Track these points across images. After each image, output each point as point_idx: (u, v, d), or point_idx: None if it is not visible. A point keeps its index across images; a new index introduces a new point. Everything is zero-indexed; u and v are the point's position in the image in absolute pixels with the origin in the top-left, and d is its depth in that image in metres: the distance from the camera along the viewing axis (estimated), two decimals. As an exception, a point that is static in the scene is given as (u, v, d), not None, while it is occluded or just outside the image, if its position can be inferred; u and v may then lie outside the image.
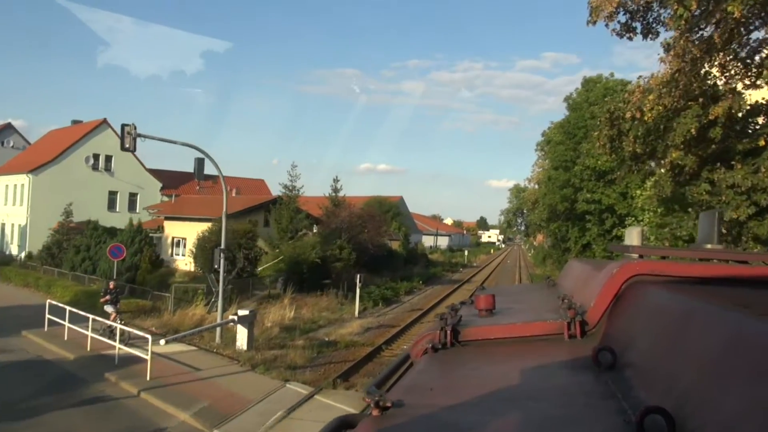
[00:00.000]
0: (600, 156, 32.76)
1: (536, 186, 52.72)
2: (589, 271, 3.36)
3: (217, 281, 16.84)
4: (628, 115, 11.86)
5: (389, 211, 57.30)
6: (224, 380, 13.50)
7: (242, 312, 16.20)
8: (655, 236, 16.87)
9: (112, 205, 46.03)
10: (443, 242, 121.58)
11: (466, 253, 76.74)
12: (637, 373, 1.84)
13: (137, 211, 45.54)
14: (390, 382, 2.49)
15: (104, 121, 45.80)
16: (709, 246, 3.28)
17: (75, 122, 50.57)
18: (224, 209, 17.45)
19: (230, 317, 16.04)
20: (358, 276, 25.40)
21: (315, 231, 38.04)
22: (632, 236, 4.36)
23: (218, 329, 16.76)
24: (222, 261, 16.82)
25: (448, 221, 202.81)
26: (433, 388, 2.03)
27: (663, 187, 13.57)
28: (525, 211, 69.32)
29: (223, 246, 17.06)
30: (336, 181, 44.09)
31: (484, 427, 1.63)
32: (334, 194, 42.89)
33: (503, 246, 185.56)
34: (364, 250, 36.89)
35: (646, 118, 11.34)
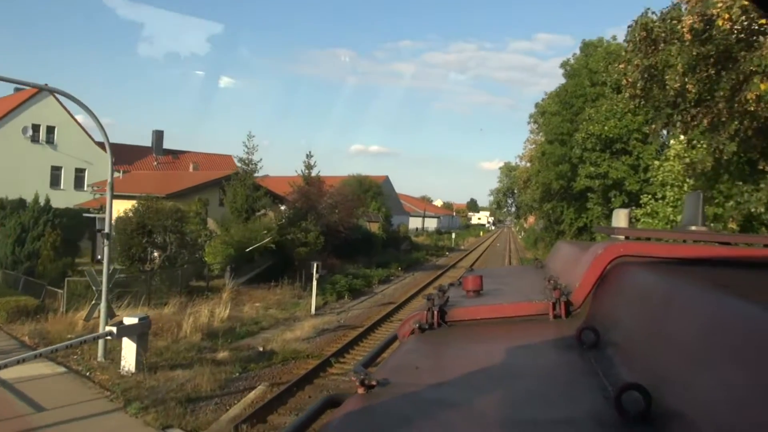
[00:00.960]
0: (608, 120, 28.32)
1: (528, 164, 48.35)
2: (575, 253, 3.41)
3: (102, 274, 12.35)
4: (686, 23, 7.38)
5: (369, 191, 52.86)
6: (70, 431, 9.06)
7: (129, 320, 11.73)
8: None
9: (55, 182, 41.22)
10: (432, 224, 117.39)
11: (453, 236, 72.44)
12: (618, 352, 1.87)
13: (84, 188, 40.76)
14: (376, 362, 2.41)
15: (45, 87, 40.69)
16: (693, 228, 3.27)
17: (18, 90, 45.44)
18: (110, 180, 12.88)
19: (107, 329, 11.55)
20: (315, 265, 20.94)
21: (283, 211, 33.51)
22: (619, 218, 4.19)
23: (101, 342, 12.27)
24: (106, 250, 12.36)
25: (438, 203, 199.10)
26: (419, 367, 2.04)
27: (716, 148, 9.17)
28: (516, 191, 65.10)
29: (107, 229, 12.55)
30: (309, 156, 39.61)
31: (469, 403, 1.65)
32: (307, 171, 38.47)
33: (493, 228, 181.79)
34: (335, 233, 32.47)
35: (720, 23, 6.88)
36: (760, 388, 1.04)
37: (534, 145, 45.26)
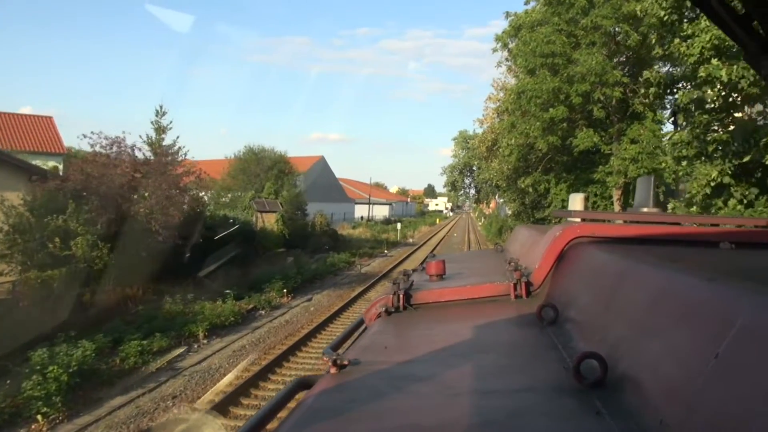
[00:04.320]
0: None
1: (487, 129, 34.16)
2: (534, 236, 3.51)
3: None
4: None
5: (272, 169, 37.68)
6: None
7: None
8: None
9: None
10: (383, 212, 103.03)
11: (398, 226, 58.08)
12: (575, 326, 1.98)
13: None
14: (345, 345, 2.47)
15: None
16: (645, 209, 3.50)
17: None
18: None
19: None
20: None
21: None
22: (575, 202, 4.84)
23: None
24: None
25: (394, 189, 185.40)
26: (387, 347, 2.09)
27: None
28: (475, 167, 51.36)
29: None
30: (160, 113, 24.52)
31: (437, 377, 1.71)
32: (156, 138, 23.41)
33: (451, 215, 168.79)
34: (144, 234, 17.37)
35: None
36: (703, 351, 1.12)
37: (502, 93, 30.92)
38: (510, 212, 42.98)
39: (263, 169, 36.96)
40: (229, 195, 36.08)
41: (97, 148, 18.01)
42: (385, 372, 1.76)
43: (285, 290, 21.33)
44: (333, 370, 1.72)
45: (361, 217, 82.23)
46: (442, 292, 2.83)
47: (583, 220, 3.17)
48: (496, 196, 52.96)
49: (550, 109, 20.57)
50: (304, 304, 20.88)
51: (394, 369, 1.80)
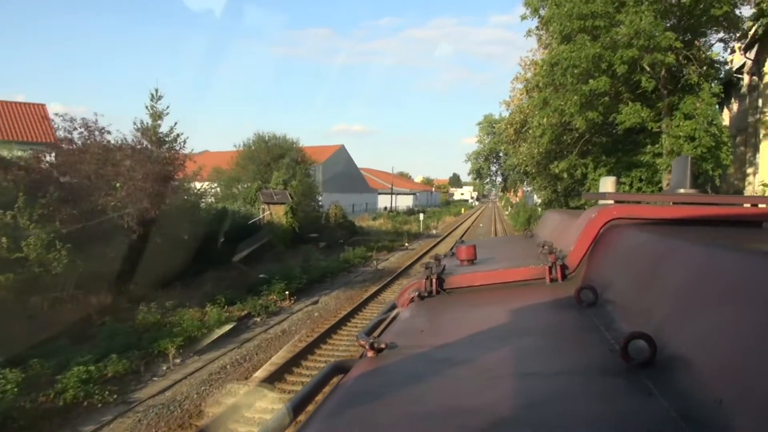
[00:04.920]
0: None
1: (515, 110, 31.08)
2: (566, 220, 3.59)
3: None
4: None
5: (284, 158, 35.20)
6: None
7: None
8: None
9: None
10: (407, 202, 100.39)
11: (421, 217, 55.22)
12: (617, 308, 1.93)
13: None
14: (378, 330, 2.38)
15: None
16: (681, 190, 3.37)
17: None
18: None
19: None
20: None
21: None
22: (606, 185, 4.40)
23: None
24: None
25: (418, 179, 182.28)
26: (423, 331, 2.09)
27: None
28: (501, 153, 48.21)
29: None
30: (155, 97, 22.38)
31: (476, 360, 1.68)
32: (152, 123, 21.24)
33: (477, 204, 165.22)
34: (114, 231, 15.00)
35: None
36: (761, 328, 1.09)
37: (531, 73, 27.82)
38: (540, 201, 39.95)
39: (273, 157, 34.46)
40: (239, 186, 33.77)
41: (61, 133, 15.66)
42: (423, 355, 1.74)
43: (287, 292, 18.82)
44: (370, 354, 1.71)
45: (385, 208, 79.65)
46: (475, 276, 2.79)
47: (617, 202, 3.00)
48: (524, 184, 49.75)
49: (590, 81, 17.60)
50: (309, 308, 18.36)
51: (431, 352, 1.78)
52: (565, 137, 22.08)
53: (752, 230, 2.49)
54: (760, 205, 3.37)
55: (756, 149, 21.80)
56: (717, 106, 18.82)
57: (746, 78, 22.88)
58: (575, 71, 17.65)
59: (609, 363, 1.49)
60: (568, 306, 2.18)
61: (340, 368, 1.79)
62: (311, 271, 22.94)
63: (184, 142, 24.36)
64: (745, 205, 3.50)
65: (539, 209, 45.40)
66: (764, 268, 1.28)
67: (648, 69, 17.39)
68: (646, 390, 1.30)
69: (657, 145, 19.02)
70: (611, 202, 3.12)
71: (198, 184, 22.09)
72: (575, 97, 18.17)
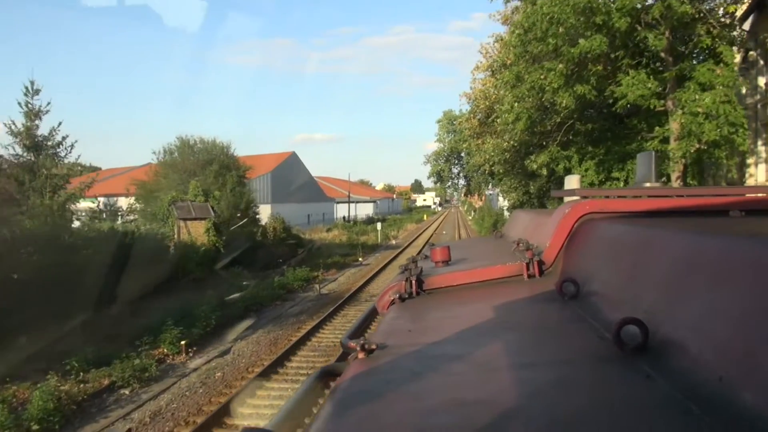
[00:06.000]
0: None
1: (479, 96, 26.57)
2: (537, 218, 3.58)
3: None
4: None
5: (212, 164, 30.04)
6: None
7: None
8: None
9: None
10: (367, 210, 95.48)
11: (379, 226, 50.38)
12: (601, 298, 1.95)
13: None
14: (361, 333, 2.45)
15: None
16: (647, 184, 3.42)
17: None
18: None
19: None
20: None
21: None
22: (572, 182, 4.68)
23: None
24: None
25: (380, 186, 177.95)
26: (411, 330, 2.08)
27: None
28: (464, 154, 43.65)
29: None
30: (31, 91, 17.99)
31: (470, 354, 1.68)
32: (28, 124, 16.49)
33: (439, 209, 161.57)
34: None
35: None
36: (757, 306, 1.12)
37: (497, 51, 23.32)
38: (508, 204, 35.64)
39: (199, 164, 29.26)
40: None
41: None
42: (416, 353, 1.73)
43: (183, 342, 13.77)
44: (361, 355, 1.68)
45: (344, 218, 74.72)
46: (454, 275, 2.79)
47: (583, 197, 3.09)
48: (489, 186, 45.51)
49: (580, 42, 13.17)
50: (212, 363, 13.35)
51: (424, 350, 1.77)
52: (543, 123, 17.60)
53: (720, 219, 2.52)
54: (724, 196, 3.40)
55: (757, 135, 17.70)
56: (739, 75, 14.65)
57: (737, 54, 18.78)
58: (560, 29, 13.18)
59: (602, 350, 1.52)
60: (550, 299, 2.23)
61: (328, 373, 1.87)
62: (230, 304, 17.90)
63: (71, 147, 19.30)
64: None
65: (506, 213, 41.29)
66: (748, 251, 1.34)
67: (658, 20, 13.03)
68: (643, 373, 1.33)
69: (662, 128, 14.68)
70: (577, 198, 3.14)
71: (123, 201, 16.90)
72: (560, 66, 13.68)
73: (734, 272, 1.29)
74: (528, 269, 2.67)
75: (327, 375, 1.84)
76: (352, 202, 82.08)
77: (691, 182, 16.13)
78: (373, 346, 1.70)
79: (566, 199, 3.80)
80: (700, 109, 13.04)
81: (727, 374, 1.11)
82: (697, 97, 13.40)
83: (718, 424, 1.06)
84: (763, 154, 18.59)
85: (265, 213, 36.68)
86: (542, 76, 14.60)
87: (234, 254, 23.60)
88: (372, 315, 2.94)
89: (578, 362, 1.52)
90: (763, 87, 18.61)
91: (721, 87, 13.15)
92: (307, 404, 1.67)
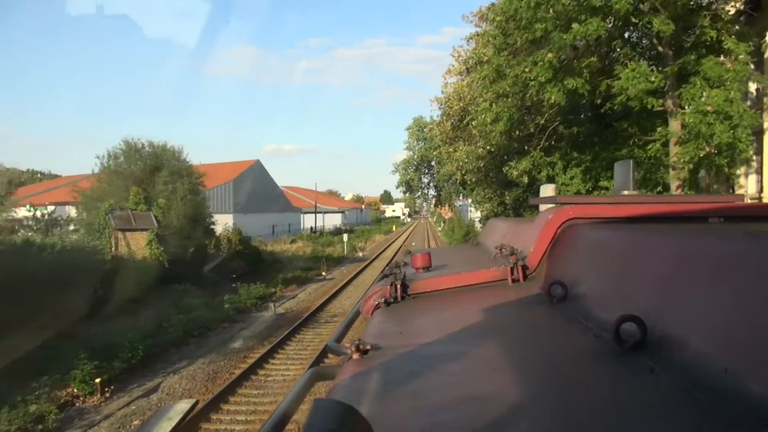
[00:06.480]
0: None
1: (453, 97, 24.59)
2: (517, 225, 3.63)
3: None
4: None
5: (160, 169, 27.50)
6: None
7: None
8: None
9: None
10: (335, 221, 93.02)
11: (345, 237, 47.99)
12: (590, 300, 1.95)
13: None
14: (348, 337, 2.37)
15: None
16: (626, 192, 3.46)
17: None
18: None
19: None
20: None
21: None
22: (548, 191, 4.81)
23: None
24: None
25: (349, 197, 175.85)
26: (402, 332, 2.06)
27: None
28: (434, 163, 41.72)
29: None
30: None
31: (469, 354, 1.67)
32: None
33: (408, 220, 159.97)
34: None
35: None
36: (757, 299, 1.13)
37: (474, 46, 21.45)
38: (480, 215, 33.81)
39: (146, 170, 26.68)
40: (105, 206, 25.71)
41: None
42: (412, 354, 1.70)
43: (98, 380, 11.35)
44: (356, 356, 1.67)
45: (311, 228, 72.23)
46: (439, 280, 2.79)
47: (560, 204, 3.08)
48: (461, 197, 43.69)
49: (574, 26, 11.28)
50: (133, 406, 10.97)
51: (419, 350, 1.75)
52: (526, 125, 15.71)
53: (702, 225, 2.54)
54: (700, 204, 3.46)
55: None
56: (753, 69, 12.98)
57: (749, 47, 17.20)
58: (550, 12, 11.27)
59: (600, 348, 1.53)
60: (537, 302, 2.23)
61: (321, 374, 1.83)
62: (167, 330, 15.48)
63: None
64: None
65: (478, 225, 39.57)
66: (744, 248, 1.36)
67: (656, 9, 11.25)
68: (646, 368, 1.33)
69: (664, 129, 12.89)
70: (554, 206, 3.13)
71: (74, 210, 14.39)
72: (548, 56, 11.77)
73: (730, 269, 1.29)
74: (512, 274, 2.66)
75: (319, 377, 1.80)
76: (320, 212, 79.63)
77: (689, 192, 14.43)
78: (368, 347, 1.69)
79: (542, 207, 3.83)
80: (709, 108, 11.26)
81: (733, 366, 1.12)
82: (704, 94, 11.63)
83: (729, 413, 1.06)
84: (754, 164, 17.01)
85: (225, 223, 34.17)
86: (527, 69, 12.68)
87: (187, 270, 21.06)
88: (355, 319, 2.91)
89: (578, 360, 1.51)
90: (753, 93, 17.07)
91: (732, 83, 11.41)
92: (299, 407, 1.57)
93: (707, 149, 11.54)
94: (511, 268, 2.66)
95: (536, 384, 1.36)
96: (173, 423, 1.21)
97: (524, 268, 2.68)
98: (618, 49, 12.51)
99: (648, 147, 13.36)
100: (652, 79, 11.49)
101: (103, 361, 12.11)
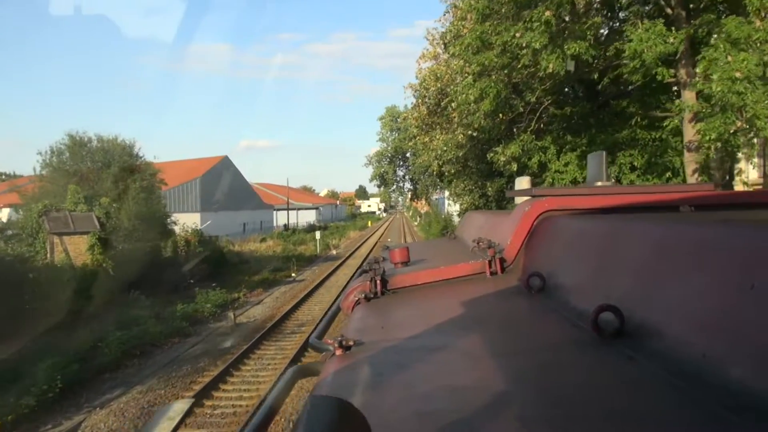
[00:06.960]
0: None
1: (429, 77, 22.45)
2: (493, 218, 3.65)
3: None
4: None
5: (109, 166, 24.97)
6: None
7: None
8: None
9: None
10: (309, 217, 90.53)
11: (318, 235, 45.63)
12: (569, 290, 1.95)
13: None
14: (329, 333, 2.35)
15: None
16: (599, 183, 3.49)
17: None
18: None
19: None
20: None
21: None
22: (522, 183, 4.76)
23: None
24: None
25: (323, 193, 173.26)
26: (384, 327, 2.05)
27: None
28: (409, 154, 39.74)
29: None
30: None
31: (452, 345, 1.68)
32: None
33: (384, 215, 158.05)
34: None
35: None
36: (735, 285, 1.13)
37: (449, 25, 19.40)
38: (459, 208, 31.81)
39: (93, 167, 24.14)
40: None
41: None
42: (396, 347, 1.70)
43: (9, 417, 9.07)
44: (339, 352, 1.65)
45: (284, 226, 69.64)
46: (418, 275, 2.78)
47: (536, 196, 3.09)
48: (438, 190, 41.72)
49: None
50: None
51: (403, 344, 1.74)
52: (514, 104, 13.70)
53: (674, 214, 2.55)
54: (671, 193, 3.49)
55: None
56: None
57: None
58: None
59: (579, 337, 1.52)
60: (516, 293, 2.23)
61: (304, 371, 1.79)
62: (103, 351, 13.18)
63: None
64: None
65: (456, 219, 37.64)
66: (733, 231, 1.34)
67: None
68: (625, 355, 1.33)
69: (678, 102, 10.99)
70: (529, 198, 3.13)
71: None
72: (546, 14, 9.75)
73: (706, 256, 1.29)
74: (490, 266, 2.67)
75: (302, 374, 1.76)
76: (293, 209, 77.22)
77: (703, 179, 12.60)
78: (351, 343, 1.68)
79: (518, 199, 3.91)
80: (738, 74, 9.36)
81: (710, 351, 1.13)
82: (729, 58, 9.73)
83: (708, 397, 1.07)
84: (757, 148, 15.28)
85: (183, 223, 31.69)
86: (518, 35, 10.65)
87: (139, 277, 18.64)
88: (336, 316, 2.89)
89: (559, 348, 1.51)
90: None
91: (764, 44, 9.54)
92: (283, 404, 1.56)
93: (738, 124, 9.64)
94: (489, 261, 2.67)
95: (520, 372, 1.37)
96: (174, 423, 1.31)
97: (502, 260, 2.69)
98: (625, 8, 10.55)
99: (661, 125, 11.44)
100: (671, 40, 9.56)
101: (10, 397, 9.82)
